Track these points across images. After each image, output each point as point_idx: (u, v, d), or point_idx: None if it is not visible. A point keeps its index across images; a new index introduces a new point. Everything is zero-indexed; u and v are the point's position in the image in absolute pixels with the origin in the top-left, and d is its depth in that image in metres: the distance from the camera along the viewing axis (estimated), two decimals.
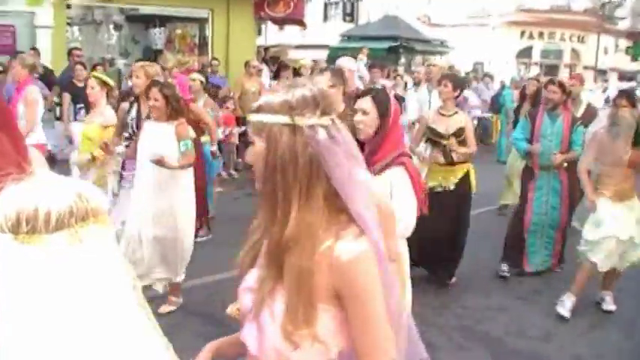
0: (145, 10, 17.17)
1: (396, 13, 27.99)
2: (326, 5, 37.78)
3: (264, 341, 1.85)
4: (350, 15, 35.47)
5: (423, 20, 30.90)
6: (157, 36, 17.33)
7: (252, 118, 1.86)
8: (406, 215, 3.89)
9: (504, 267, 7.66)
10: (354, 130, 3.94)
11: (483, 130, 19.49)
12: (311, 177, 1.79)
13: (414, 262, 4.31)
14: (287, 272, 1.80)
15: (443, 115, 7.17)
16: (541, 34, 29.16)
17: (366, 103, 4.03)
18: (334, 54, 24.28)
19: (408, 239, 4.04)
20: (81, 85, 9.53)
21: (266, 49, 20.03)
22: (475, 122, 15.05)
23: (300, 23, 19.67)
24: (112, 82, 7.57)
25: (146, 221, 6.00)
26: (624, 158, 6.32)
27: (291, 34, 32.43)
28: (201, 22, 17.66)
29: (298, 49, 28.00)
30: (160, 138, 5.95)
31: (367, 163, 3.62)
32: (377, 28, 26.58)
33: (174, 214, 6.06)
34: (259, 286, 1.88)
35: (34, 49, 12.24)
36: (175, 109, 6.00)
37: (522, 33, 29.13)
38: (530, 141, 7.53)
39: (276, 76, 14.98)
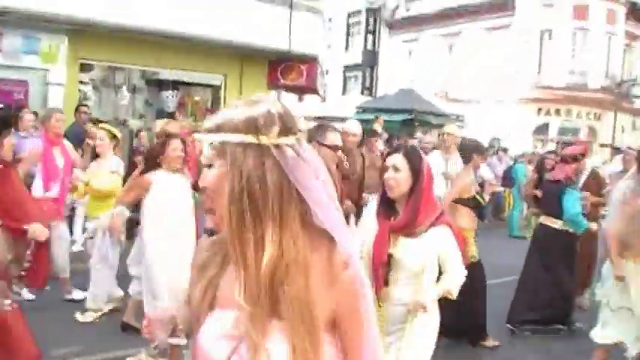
0: (165, 74, 17.41)
1: (412, 87, 28.17)
2: (345, 78, 38.28)
3: None
4: (368, 89, 35.86)
5: (440, 95, 31.08)
6: (170, 99, 17.52)
7: (211, 138, 1.74)
8: (458, 270, 4.10)
9: None
10: (384, 187, 4.06)
11: (496, 205, 19.34)
12: (282, 199, 1.67)
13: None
14: (288, 307, 1.66)
15: None
16: (558, 111, 29.22)
17: (398, 159, 3.98)
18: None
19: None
20: (91, 142, 9.49)
21: None
22: (488, 197, 14.93)
23: (314, 92, 19.84)
24: (119, 134, 7.85)
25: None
26: None
27: (310, 107, 32.74)
28: (214, 87, 17.87)
29: (317, 120, 28.17)
30: (176, 188, 6.18)
31: (410, 224, 3.90)
32: (392, 101, 26.72)
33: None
34: (246, 328, 1.67)
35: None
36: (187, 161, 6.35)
37: (539, 110, 29.21)
38: None
39: None
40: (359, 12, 35.70)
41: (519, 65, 29.02)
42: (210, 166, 1.76)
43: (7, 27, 13.21)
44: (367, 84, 36.00)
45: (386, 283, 3.98)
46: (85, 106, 12.93)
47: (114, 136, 7.84)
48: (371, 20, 35.22)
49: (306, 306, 1.66)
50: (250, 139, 1.67)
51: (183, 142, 6.30)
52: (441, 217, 4.06)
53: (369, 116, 23.18)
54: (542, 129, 29.78)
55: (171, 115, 17.24)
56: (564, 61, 29.05)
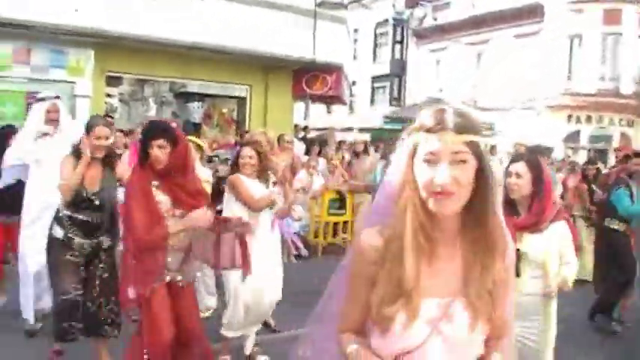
0: (192, 87, 17.57)
1: (441, 96, 28.08)
2: (373, 89, 38.24)
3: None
4: (397, 99, 35.76)
5: (469, 103, 30.90)
6: (196, 110, 17.67)
7: (466, 138, 1.95)
8: (574, 261, 4.64)
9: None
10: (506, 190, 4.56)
11: None
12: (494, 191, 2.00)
13: None
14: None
15: None
16: (589, 118, 28.81)
17: (520, 167, 4.48)
18: (377, 136, 24.43)
19: None
20: (119, 152, 9.63)
21: (305, 127, 20.19)
22: None
23: (340, 102, 19.85)
24: (204, 145, 8.11)
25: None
26: None
27: (338, 118, 32.79)
28: (239, 98, 17.96)
29: (345, 131, 28.19)
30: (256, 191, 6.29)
31: (538, 222, 4.47)
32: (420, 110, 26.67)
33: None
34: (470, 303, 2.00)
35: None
36: (264, 166, 6.41)
37: (569, 117, 28.85)
38: None
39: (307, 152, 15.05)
40: (386, 22, 35.66)
41: (549, 72, 28.69)
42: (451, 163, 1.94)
43: (35, 42, 13.47)
44: (395, 94, 35.87)
45: (517, 274, 4.31)
46: (110, 117, 13.07)
47: (199, 147, 8.05)
48: (398, 30, 35.14)
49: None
50: (489, 140, 1.92)
51: (257, 150, 6.41)
52: (560, 214, 4.60)
53: (397, 126, 23.15)
54: (573, 136, 29.39)
55: (197, 127, 17.39)
56: (595, 66, 28.66)
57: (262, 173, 6.44)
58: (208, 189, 7.74)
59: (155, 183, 4.70)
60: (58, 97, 7.12)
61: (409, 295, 1.96)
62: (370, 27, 37.20)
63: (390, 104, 35.21)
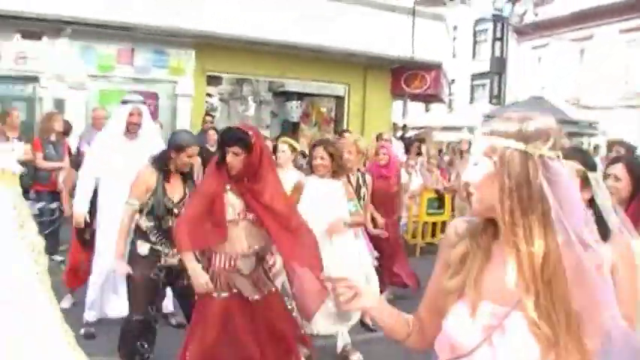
0: (291, 86, 17.69)
1: (542, 95, 27.34)
2: (472, 87, 37.65)
3: None
4: (497, 97, 35.05)
5: (572, 102, 30.02)
6: (294, 110, 17.76)
7: (484, 139, 1.92)
8: None
9: None
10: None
11: None
12: (543, 202, 1.82)
13: None
14: (550, 303, 1.82)
15: None
16: None
17: (618, 169, 4.19)
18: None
19: None
20: (213, 149, 9.79)
21: (403, 126, 20.02)
22: None
23: (439, 100, 19.61)
24: (298, 146, 8.05)
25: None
26: None
27: (436, 116, 32.42)
28: (338, 97, 17.95)
29: (444, 131, 27.83)
30: (328, 194, 6.23)
31: (635, 225, 3.91)
32: (521, 109, 26.00)
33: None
34: (528, 314, 1.85)
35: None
36: (340, 165, 6.34)
37: None
38: None
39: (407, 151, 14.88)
40: (485, 19, 35.03)
41: None
42: (476, 164, 1.95)
43: (138, 42, 13.85)
44: (495, 92, 35.12)
45: None
46: (210, 115, 13.29)
47: (294, 149, 8.08)
48: (498, 27, 34.42)
49: (568, 306, 1.81)
50: (519, 145, 1.85)
51: (329, 150, 6.35)
52: None
53: None
54: None
55: (295, 126, 17.50)
56: None
57: (337, 174, 6.36)
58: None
59: (228, 187, 4.75)
60: (143, 102, 7.19)
61: (470, 288, 1.95)
62: (469, 24, 36.61)
63: (490, 102, 34.52)
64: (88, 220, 7.10)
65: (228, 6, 13.74)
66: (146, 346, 5.47)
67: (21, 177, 9.25)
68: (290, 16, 14.44)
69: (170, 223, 5.44)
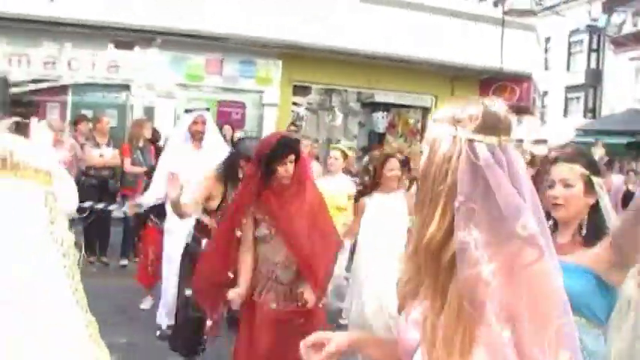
0: (379, 97, 17.68)
1: None
2: (566, 100, 36.71)
3: None
4: (592, 110, 34.15)
5: None
6: (380, 120, 17.75)
7: (430, 126, 1.85)
8: None
9: None
10: None
11: None
12: (468, 191, 1.68)
13: None
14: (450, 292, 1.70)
15: None
16: None
17: None
18: None
19: None
20: None
21: None
22: None
23: (528, 112, 19.21)
24: (351, 153, 8.07)
25: None
26: None
27: (529, 129, 31.77)
28: (424, 108, 17.83)
29: (536, 144, 27.26)
30: (392, 210, 6.18)
31: None
32: (617, 122, 25.24)
33: None
34: (424, 309, 1.77)
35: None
36: (413, 178, 6.28)
37: None
38: None
39: None
40: (580, 30, 34.15)
41: None
42: (421, 152, 1.88)
43: (227, 53, 14.11)
44: (590, 105, 34.26)
45: None
46: (294, 125, 13.41)
47: (346, 156, 8.13)
48: (594, 38, 33.56)
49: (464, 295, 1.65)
50: (449, 129, 1.74)
51: (402, 161, 6.31)
52: None
53: (590, 139, 22.09)
54: None
55: (382, 136, 17.47)
56: None
57: (409, 185, 6.30)
58: (344, 199, 7.73)
59: (252, 208, 4.61)
60: (207, 109, 7.27)
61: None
62: (564, 35, 35.74)
63: (585, 116, 33.67)
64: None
65: (315, 17, 13.84)
66: (202, 340, 5.58)
67: (109, 181, 9.59)
68: (376, 26, 14.45)
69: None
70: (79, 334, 1.91)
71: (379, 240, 6.14)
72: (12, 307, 1.78)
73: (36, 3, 11.83)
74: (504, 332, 1.56)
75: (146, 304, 8.07)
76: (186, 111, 7.27)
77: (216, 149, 6.26)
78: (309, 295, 4.56)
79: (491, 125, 1.72)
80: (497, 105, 1.79)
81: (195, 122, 6.81)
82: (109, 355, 2.21)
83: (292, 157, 4.50)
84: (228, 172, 5.46)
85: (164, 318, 7.05)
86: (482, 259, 1.61)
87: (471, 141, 1.70)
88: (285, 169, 4.47)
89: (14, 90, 12.97)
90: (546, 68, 33.59)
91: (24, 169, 1.98)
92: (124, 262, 9.87)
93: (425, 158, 1.80)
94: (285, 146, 4.54)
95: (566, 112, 36.74)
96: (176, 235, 6.53)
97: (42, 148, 2.15)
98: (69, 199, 2.51)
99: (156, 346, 6.61)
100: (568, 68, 36.36)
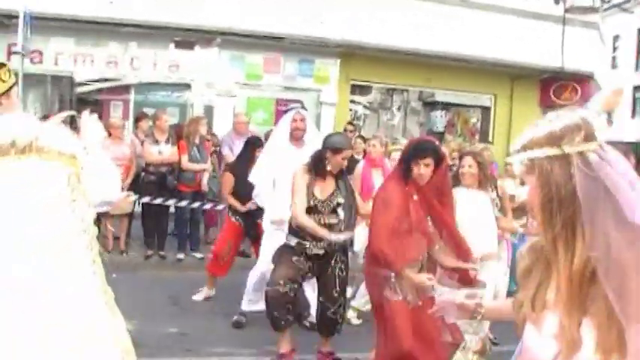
0: (440, 96, 17.62)
1: None
2: (635, 100, 35.81)
3: None
4: None
5: None
6: (439, 119, 17.68)
7: (520, 157, 1.88)
8: None
9: None
10: None
11: None
12: (592, 201, 1.72)
13: None
14: (596, 304, 1.72)
15: None
16: None
17: None
18: (636, 150, 22.86)
19: None
20: (358, 157, 9.94)
21: None
22: None
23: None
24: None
25: None
26: None
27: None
28: (484, 107, 17.68)
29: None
30: (478, 206, 6.27)
31: None
32: None
33: None
34: (562, 325, 1.78)
35: None
36: (486, 176, 6.39)
37: None
38: None
39: None
40: None
41: None
42: (523, 183, 1.99)
43: (285, 52, 14.31)
44: None
45: None
46: (351, 124, 13.48)
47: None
48: None
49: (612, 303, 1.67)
50: (554, 150, 1.78)
51: (477, 160, 6.34)
52: None
53: None
54: None
55: (441, 136, 17.41)
56: None
57: (483, 184, 6.31)
58: None
59: (416, 198, 4.95)
60: (304, 108, 7.37)
61: (527, 301, 1.95)
62: (632, 33, 34.90)
63: None
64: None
65: (373, 15, 13.92)
66: (286, 316, 5.82)
67: (167, 177, 9.83)
68: (435, 25, 14.43)
69: (319, 220, 5.76)
70: (81, 332, 2.05)
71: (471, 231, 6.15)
72: (12, 307, 1.93)
73: (99, 5, 12.21)
74: None
75: (199, 296, 8.29)
76: (285, 111, 7.39)
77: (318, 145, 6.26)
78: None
79: (590, 132, 1.77)
80: (581, 111, 1.86)
81: (294, 120, 6.94)
82: (125, 323, 2.36)
83: (429, 160, 4.93)
84: (314, 163, 5.78)
85: (248, 302, 7.22)
86: (623, 265, 1.65)
87: (581, 153, 1.75)
88: (423, 171, 4.96)
89: (80, 89, 13.40)
90: (614, 67, 32.86)
91: (48, 152, 2.18)
92: (181, 255, 10.13)
93: (536, 188, 1.82)
94: (421, 148, 5.07)
95: (634, 112, 35.85)
96: (272, 232, 6.81)
97: (69, 136, 2.35)
98: (107, 185, 2.68)
99: (205, 336, 6.82)
100: (637, 67, 35.46)
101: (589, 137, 1.76)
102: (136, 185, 9.78)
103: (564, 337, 1.75)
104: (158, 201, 9.86)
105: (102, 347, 2.14)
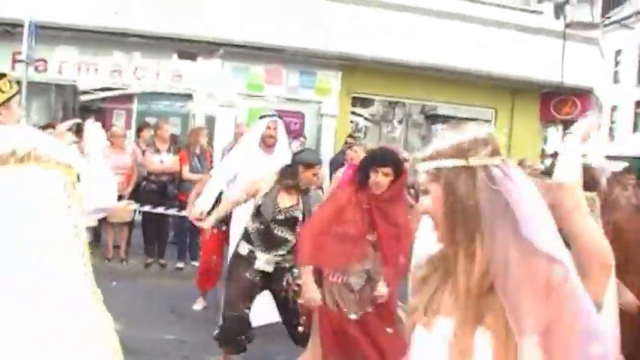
0: (442, 109, 17.67)
1: None
2: (636, 115, 35.90)
3: None
4: None
5: None
6: (439, 132, 17.72)
7: (427, 166, 1.92)
8: None
9: None
10: None
11: None
12: (492, 213, 1.78)
13: None
14: (492, 314, 1.77)
15: None
16: None
17: None
18: (637, 165, 22.84)
19: None
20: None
21: (554, 154, 19.42)
22: None
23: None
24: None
25: None
26: None
27: (596, 145, 31.15)
28: (484, 121, 17.70)
29: (610, 160, 26.68)
30: None
31: None
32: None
33: None
34: (455, 334, 1.82)
35: None
36: None
37: None
38: None
39: None
40: None
41: None
42: (426, 192, 1.93)
43: (287, 63, 14.41)
44: None
45: None
46: (352, 137, 13.53)
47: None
48: None
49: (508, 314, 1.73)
50: (460, 162, 1.83)
51: None
52: None
53: None
54: None
55: None
56: None
57: None
58: None
59: (365, 207, 4.86)
60: (280, 117, 7.45)
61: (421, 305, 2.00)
62: (634, 48, 35.04)
63: None
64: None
65: (374, 29, 14.00)
66: (242, 340, 5.69)
67: (168, 186, 9.91)
68: (436, 39, 14.51)
69: (277, 231, 5.66)
70: (80, 332, 2.13)
71: None
72: (12, 307, 2.02)
73: (104, 15, 12.33)
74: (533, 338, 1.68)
75: (198, 305, 8.36)
76: (261, 117, 7.44)
77: (285, 156, 6.39)
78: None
79: (495, 148, 1.86)
80: (485, 128, 1.94)
81: (268, 127, 7.05)
82: (113, 322, 2.45)
83: (388, 169, 4.82)
84: (285, 174, 5.71)
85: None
86: (517, 279, 1.71)
87: (485, 167, 1.81)
88: (380, 179, 4.82)
89: (83, 98, 13.51)
90: (616, 82, 32.95)
91: (46, 161, 2.29)
92: (180, 264, 10.21)
93: (440, 197, 1.86)
94: (379, 157, 4.98)
95: (636, 127, 35.93)
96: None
97: (66, 146, 2.47)
98: (103, 192, 2.77)
99: (203, 343, 6.87)
100: (639, 82, 35.56)
101: (495, 152, 1.84)
102: (137, 194, 9.87)
103: (457, 346, 1.79)
104: (159, 210, 9.96)
105: (99, 347, 2.22)
